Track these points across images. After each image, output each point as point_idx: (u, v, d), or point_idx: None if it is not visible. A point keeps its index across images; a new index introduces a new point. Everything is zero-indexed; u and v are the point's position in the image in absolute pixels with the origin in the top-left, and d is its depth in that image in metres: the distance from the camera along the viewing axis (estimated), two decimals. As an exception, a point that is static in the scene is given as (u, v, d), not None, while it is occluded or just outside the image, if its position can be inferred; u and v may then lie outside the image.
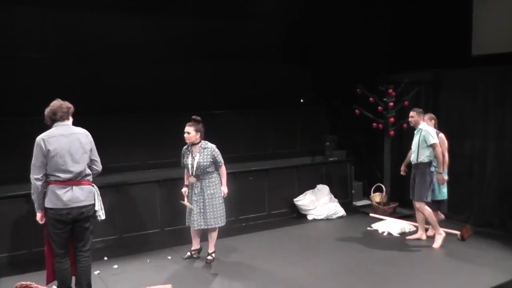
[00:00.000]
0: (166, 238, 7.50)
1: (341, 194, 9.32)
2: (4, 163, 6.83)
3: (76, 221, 4.86)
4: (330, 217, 8.65)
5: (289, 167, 8.97)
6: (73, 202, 4.78)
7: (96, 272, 6.05)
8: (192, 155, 6.30)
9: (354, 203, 9.66)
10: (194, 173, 6.28)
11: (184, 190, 6.45)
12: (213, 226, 6.35)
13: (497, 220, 7.88)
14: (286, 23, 9.92)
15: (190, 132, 6.22)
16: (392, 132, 8.84)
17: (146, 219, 7.47)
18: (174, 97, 8.65)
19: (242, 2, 9.23)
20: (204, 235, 6.67)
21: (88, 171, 4.93)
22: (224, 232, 7.73)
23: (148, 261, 6.63)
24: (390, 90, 8.77)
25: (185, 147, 6.43)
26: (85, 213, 4.88)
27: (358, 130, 10.07)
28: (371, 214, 8.74)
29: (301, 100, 10.37)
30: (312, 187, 8.94)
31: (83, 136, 4.93)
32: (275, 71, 9.85)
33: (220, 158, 6.36)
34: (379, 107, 8.86)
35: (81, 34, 8.07)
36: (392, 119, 8.79)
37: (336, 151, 10.11)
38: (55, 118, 4.86)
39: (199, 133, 6.26)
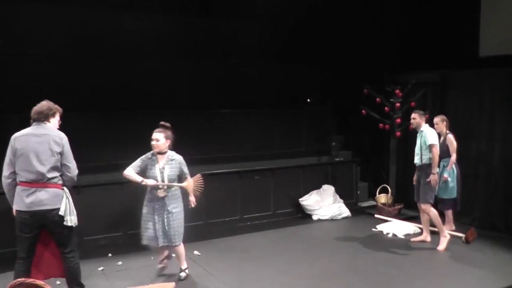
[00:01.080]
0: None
1: (347, 194, 9.32)
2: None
3: (43, 226, 4.72)
4: (335, 218, 8.65)
5: (295, 166, 8.98)
6: (36, 205, 4.61)
7: (100, 269, 6.10)
8: (158, 166, 5.61)
9: (359, 204, 9.65)
10: (163, 188, 5.60)
11: (145, 180, 5.58)
12: (176, 244, 5.73)
13: (502, 223, 7.84)
14: (294, 22, 9.91)
15: (159, 139, 5.54)
16: (398, 133, 8.82)
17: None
18: (181, 96, 8.69)
19: (250, 1, 9.23)
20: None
21: (55, 174, 4.71)
22: (228, 231, 7.85)
23: (152, 258, 6.63)
24: (397, 91, 8.74)
25: (147, 155, 5.70)
26: (50, 218, 4.68)
27: (365, 131, 10.05)
28: (376, 215, 8.72)
29: (308, 100, 10.36)
30: (318, 187, 8.95)
31: (56, 138, 4.73)
32: (282, 71, 9.85)
33: (186, 169, 5.76)
34: (386, 108, 8.84)
35: (93, 31, 8.14)
36: (398, 120, 8.77)
37: (342, 151, 10.09)
38: (35, 118, 4.78)
39: (168, 141, 5.61)
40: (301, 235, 7.79)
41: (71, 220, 4.77)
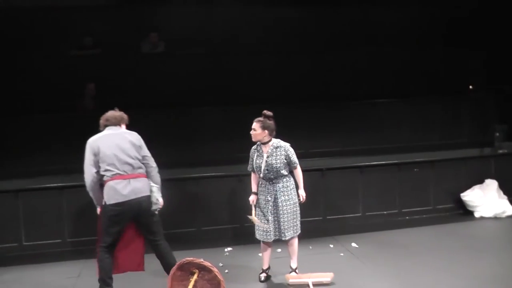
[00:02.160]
0: (329, 226, 7.61)
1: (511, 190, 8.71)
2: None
3: (136, 216, 4.99)
4: (498, 216, 8.13)
5: (456, 159, 8.53)
6: (134, 193, 4.89)
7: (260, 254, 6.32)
8: (264, 156, 5.48)
9: (526, 201, 8.99)
10: (265, 177, 5.48)
11: (252, 199, 5.62)
12: (286, 238, 5.53)
13: None
14: (455, 2, 9.38)
15: (256, 129, 5.41)
16: None
17: (309, 206, 7.58)
18: (332, 86, 8.68)
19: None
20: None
21: (141, 165, 5.02)
22: (386, 225, 7.72)
23: (310, 247, 6.77)
24: None
25: (253, 146, 5.62)
26: (146, 204, 4.98)
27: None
28: (547, 215, 8.07)
29: (470, 86, 9.79)
30: (480, 181, 8.45)
31: (133, 134, 5.12)
32: (442, 56, 9.42)
33: (294, 158, 5.50)
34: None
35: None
36: None
37: (506, 142, 9.42)
38: (112, 122, 5.10)
39: (266, 131, 5.41)
40: (462, 233, 7.41)
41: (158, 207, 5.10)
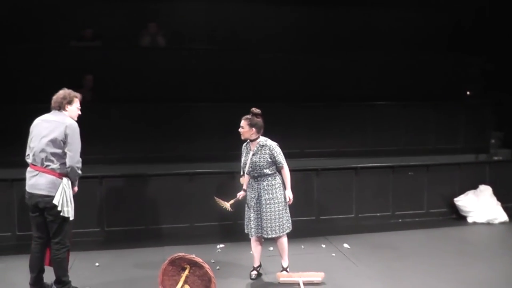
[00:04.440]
0: (321, 226, 7.63)
1: (505, 197, 8.69)
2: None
3: (41, 209, 4.76)
4: (491, 222, 8.17)
5: (450, 164, 8.55)
6: (34, 188, 4.72)
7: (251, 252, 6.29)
8: (250, 153, 5.50)
9: (519, 208, 9.02)
10: (249, 174, 5.49)
11: (240, 194, 5.66)
12: (269, 236, 5.49)
13: None
14: (453, 10, 9.41)
15: (244, 126, 5.43)
16: None
17: (302, 205, 7.61)
18: (333, 87, 8.72)
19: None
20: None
21: (55, 161, 4.71)
22: (379, 226, 7.74)
23: (303, 247, 6.80)
24: None
25: (244, 144, 5.66)
26: (43, 204, 4.71)
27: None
28: (539, 223, 8.12)
29: (468, 92, 9.82)
30: (474, 187, 8.48)
31: (62, 126, 4.73)
32: (440, 61, 9.45)
33: (280, 158, 5.44)
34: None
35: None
36: None
37: (501, 149, 9.47)
38: (52, 107, 4.89)
39: (253, 129, 5.40)
40: (454, 238, 7.43)
41: (67, 211, 4.75)
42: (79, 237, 7.02)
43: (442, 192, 8.40)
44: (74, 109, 4.94)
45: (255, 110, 5.46)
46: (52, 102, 4.87)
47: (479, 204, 8.28)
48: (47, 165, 4.71)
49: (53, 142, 4.70)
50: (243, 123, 5.45)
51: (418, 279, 5.71)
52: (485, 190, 8.44)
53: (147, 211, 7.30)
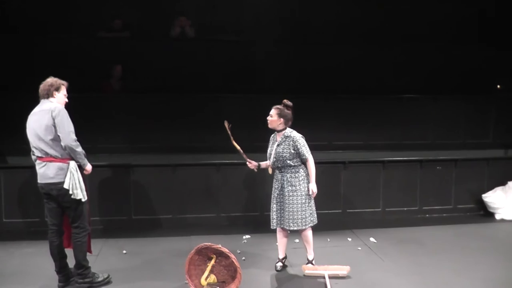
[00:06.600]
0: (348, 220, 7.63)
1: (534, 194, 8.59)
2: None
3: (55, 197, 4.87)
4: (519, 219, 8.07)
5: (479, 159, 8.43)
6: (43, 178, 4.82)
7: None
8: (275, 143, 5.56)
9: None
10: (273, 164, 5.53)
11: (254, 163, 5.72)
12: (291, 228, 5.51)
13: None
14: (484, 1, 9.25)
15: (273, 115, 5.44)
16: None
17: (329, 198, 7.62)
18: (361, 80, 8.68)
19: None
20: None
21: (56, 148, 4.78)
22: (406, 221, 7.71)
23: (328, 240, 6.79)
24: None
25: (272, 134, 5.69)
26: (55, 191, 4.82)
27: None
28: None
29: (498, 86, 9.63)
30: (503, 183, 8.35)
31: (48, 112, 4.76)
32: (470, 54, 9.26)
33: (304, 150, 5.40)
34: None
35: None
36: None
37: (531, 145, 9.30)
38: (40, 96, 4.91)
39: (282, 119, 5.42)
40: (482, 235, 7.32)
41: (77, 193, 4.83)
42: (106, 224, 7.17)
43: (470, 187, 8.30)
44: (62, 96, 4.98)
45: (287, 102, 5.49)
46: (40, 90, 4.92)
47: (508, 200, 8.15)
48: (50, 153, 4.79)
49: (46, 130, 4.76)
50: (272, 111, 5.46)
51: (446, 277, 5.65)
52: (514, 187, 8.31)
53: (174, 200, 7.39)
